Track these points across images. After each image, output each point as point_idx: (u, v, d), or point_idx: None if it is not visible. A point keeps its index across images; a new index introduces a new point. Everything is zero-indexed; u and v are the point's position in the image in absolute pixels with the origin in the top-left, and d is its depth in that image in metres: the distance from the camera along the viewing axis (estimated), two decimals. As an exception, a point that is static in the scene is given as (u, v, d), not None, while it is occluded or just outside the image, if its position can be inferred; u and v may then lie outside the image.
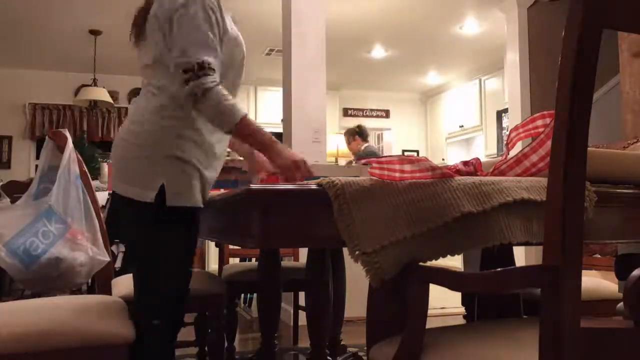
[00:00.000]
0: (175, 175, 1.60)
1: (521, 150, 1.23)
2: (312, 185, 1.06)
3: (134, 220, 1.68)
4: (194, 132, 1.64)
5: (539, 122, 1.39)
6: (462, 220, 1.01)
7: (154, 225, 1.61)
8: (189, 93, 1.55)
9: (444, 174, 1.05)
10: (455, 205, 1.00)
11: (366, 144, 6.10)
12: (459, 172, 1.23)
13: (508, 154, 1.34)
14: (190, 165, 1.62)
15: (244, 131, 1.60)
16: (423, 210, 1.00)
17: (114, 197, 1.77)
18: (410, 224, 0.99)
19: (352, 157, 6.33)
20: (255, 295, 4.40)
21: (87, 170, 2.11)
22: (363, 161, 1.08)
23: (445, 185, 1.03)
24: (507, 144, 1.43)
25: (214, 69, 1.58)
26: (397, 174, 1.04)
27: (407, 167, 1.05)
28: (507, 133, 6.87)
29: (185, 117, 1.63)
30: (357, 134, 6.07)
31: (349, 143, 6.13)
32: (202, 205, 1.66)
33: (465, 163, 1.28)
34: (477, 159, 1.28)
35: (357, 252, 0.97)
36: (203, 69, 1.55)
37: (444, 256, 1.04)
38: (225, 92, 1.58)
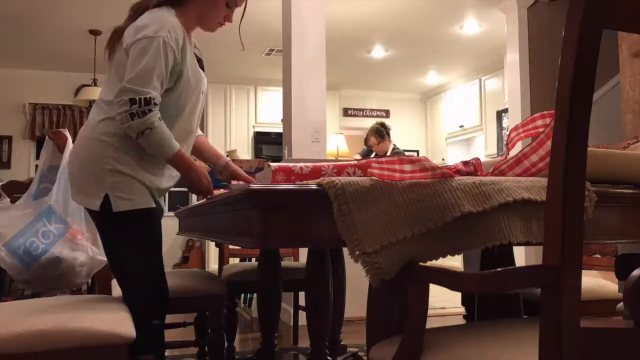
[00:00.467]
0: (115, 185, 1.69)
1: (521, 151, 1.23)
2: (312, 185, 1.06)
3: (98, 229, 1.82)
4: (135, 147, 1.72)
5: (539, 122, 1.39)
6: (462, 220, 1.01)
7: (111, 231, 1.74)
8: (132, 129, 1.65)
9: (444, 173, 1.05)
10: (455, 206, 1.00)
11: (393, 144, 5.81)
12: (458, 172, 1.23)
13: (508, 154, 1.34)
14: (129, 176, 1.71)
15: (174, 164, 1.75)
16: (423, 210, 1.00)
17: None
18: (411, 224, 0.99)
19: (357, 156, 6.15)
20: (255, 295, 4.40)
21: (87, 170, 2.11)
22: (363, 161, 1.08)
23: (445, 185, 1.03)
24: (507, 144, 1.43)
25: (157, 104, 1.67)
26: (397, 174, 1.04)
27: (407, 167, 1.05)
28: (507, 133, 6.86)
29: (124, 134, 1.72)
30: (387, 134, 5.72)
31: (377, 143, 5.60)
32: (152, 205, 1.75)
33: (465, 163, 1.28)
34: (477, 159, 1.28)
35: (357, 252, 0.97)
36: (148, 104, 1.64)
37: (444, 256, 1.04)
38: (164, 128, 1.69)
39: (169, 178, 1.84)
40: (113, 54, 1.81)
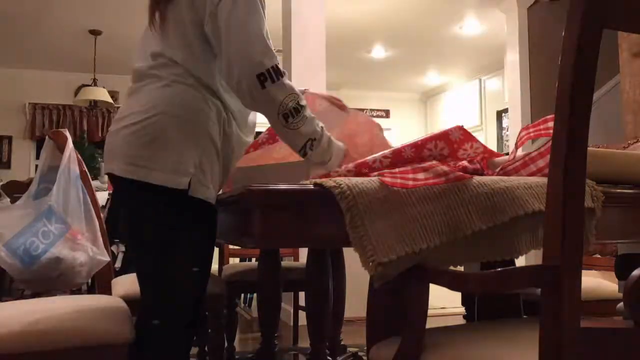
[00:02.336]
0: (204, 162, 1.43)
1: (529, 154, 1.23)
2: (312, 185, 1.06)
3: (148, 211, 1.46)
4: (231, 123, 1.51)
5: (551, 124, 1.38)
6: (472, 233, 1.02)
7: (179, 217, 1.44)
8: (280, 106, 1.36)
9: (457, 177, 1.05)
10: (467, 222, 1.01)
11: None
12: (465, 169, 1.23)
13: (516, 153, 1.35)
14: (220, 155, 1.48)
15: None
16: (437, 224, 1.00)
17: (119, 186, 1.50)
18: (425, 237, 0.99)
19: None
20: (255, 295, 4.40)
21: (87, 170, 2.11)
22: (375, 173, 1.07)
23: (458, 198, 1.03)
24: (516, 143, 1.42)
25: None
26: (411, 182, 1.03)
27: (420, 175, 1.05)
28: (507, 133, 6.84)
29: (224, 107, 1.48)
30: None
31: None
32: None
33: (470, 161, 1.28)
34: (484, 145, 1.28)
35: (372, 263, 0.96)
36: (279, 73, 1.36)
37: (455, 266, 1.04)
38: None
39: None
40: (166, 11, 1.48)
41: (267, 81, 1.34)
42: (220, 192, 1.58)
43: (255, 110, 1.49)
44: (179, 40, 1.46)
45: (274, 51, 1.40)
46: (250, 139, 1.62)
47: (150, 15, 1.52)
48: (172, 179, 1.39)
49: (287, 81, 1.38)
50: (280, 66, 1.38)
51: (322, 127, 1.43)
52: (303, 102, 1.39)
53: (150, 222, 1.46)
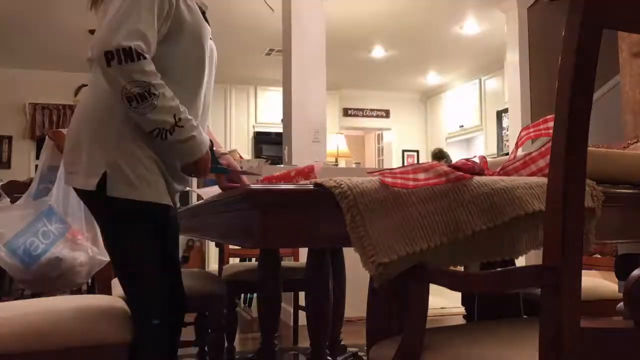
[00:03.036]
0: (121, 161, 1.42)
1: (529, 154, 1.23)
2: (311, 185, 1.06)
3: (98, 217, 1.56)
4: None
5: (551, 124, 1.38)
6: (473, 234, 1.02)
7: (116, 220, 1.47)
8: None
9: (458, 177, 1.05)
10: (468, 222, 1.01)
11: None
12: (460, 169, 1.23)
13: (516, 153, 1.34)
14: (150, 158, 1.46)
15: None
16: (438, 224, 1.00)
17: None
18: (426, 237, 0.99)
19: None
20: (255, 295, 4.40)
21: (87, 170, 2.11)
22: (376, 173, 1.07)
23: (458, 198, 1.03)
24: (516, 143, 1.42)
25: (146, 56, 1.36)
26: (411, 182, 1.03)
27: (421, 176, 1.05)
28: (507, 133, 6.84)
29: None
30: (444, 159, 6.10)
31: None
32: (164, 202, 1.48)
33: (465, 161, 1.28)
34: (483, 157, 1.28)
35: (372, 263, 0.96)
36: (129, 56, 1.33)
37: (455, 266, 1.04)
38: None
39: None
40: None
41: (113, 60, 1.31)
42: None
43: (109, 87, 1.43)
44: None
45: (137, 37, 1.35)
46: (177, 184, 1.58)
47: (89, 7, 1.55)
48: (84, 181, 1.43)
49: (137, 66, 1.33)
50: (144, 52, 1.34)
51: (180, 120, 1.38)
52: (156, 91, 1.34)
53: (103, 227, 1.56)
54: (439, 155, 6.11)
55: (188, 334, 2.75)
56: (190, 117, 1.42)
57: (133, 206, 1.41)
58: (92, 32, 6.25)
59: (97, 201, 1.46)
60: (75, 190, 1.52)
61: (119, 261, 1.54)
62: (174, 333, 1.59)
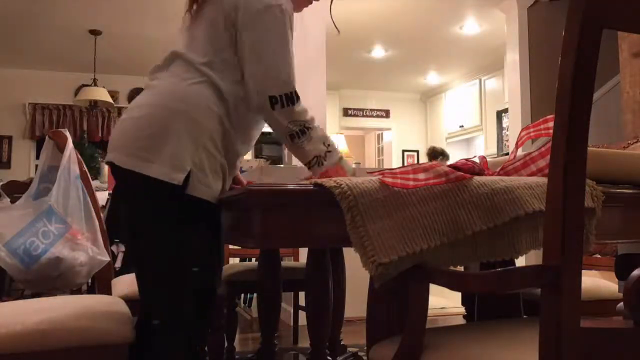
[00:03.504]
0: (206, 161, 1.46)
1: (529, 154, 1.23)
2: (311, 185, 1.06)
3: (146, 204, 1.47)
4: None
5: (551, 124, 1.38)
6: (473, 234, 1.02)
7: (177, 214, 1.44)
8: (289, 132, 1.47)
9: (457, 177, 1.05)
10: (467, 223, 1.01)
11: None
12: (459, 169, 1.23)
13: (516, 153, 1.34)
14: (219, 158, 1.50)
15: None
16: (438, 224, 1.00)
17: (118, 178, 1.50)
18: (426, 236, 0.99)
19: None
20: (255, 295, 4.40)
21: (87, 170, 2.11)
22: (376, 173, 1.07)
23: (458, 198, 1.03)
24: (517, 143, 1.42)
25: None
26: (411, 182, 1.03)
27: (421, 176, 1.05)
28: (507, 133, 6.82)
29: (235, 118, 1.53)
30: (441, 155, 6.08)
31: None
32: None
33: (465, 161, 1.28)
34: (483, 157, 1.28)
35: (372, 263, 0.96)
36: (291, 100, 1.48)
37: (455, 266, 1.04)
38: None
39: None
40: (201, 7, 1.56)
41: (277, 104, 1.46)
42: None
43: (270, 127, 1.55)
44: (206, 41, 1.52)
45: (293, 79, 1.50)
46: (243, 151, 1.64)
47: (188, 6, 1.59)
48: (169, 173, 1.40)
49: (297, 108, 1.48)
50: (297, 93, 1.49)
51: (329, 145, 1.51)
52: (310, 125, 1.49)
53: (148, 217, 1.47)
54: (433, 154, 6.07)
55: (188, 334, 2.74)
56: (329, 136, 1.55)
57: (203, 205, 1.45)
58: (92, 32, 6.28)
59: (167, 195, 1.41)
60: (136, 178, 1.41)
61: (168, 258, 1.45)
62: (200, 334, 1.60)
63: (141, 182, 1.41)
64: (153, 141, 1.42)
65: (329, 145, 1.52)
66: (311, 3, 1.76)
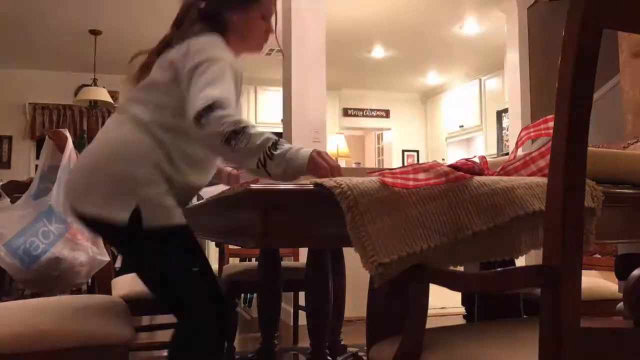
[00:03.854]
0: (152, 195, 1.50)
1: (529, 154, 1.23)
2: (312, 185, 1.06)
3: (121, 248, 1.66)
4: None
5: (551, 124, 1.38)
6: (473, 234, 1.02)
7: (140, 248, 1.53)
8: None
9: (457, 177, 1.05)
10: (468, 222, 1.01)
11: None
12: (459, 169, 1.23)
13: (516, 153, 1.34)
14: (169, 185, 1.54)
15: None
16: (438, 224, 1.00)
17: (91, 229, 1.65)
18: (426, 237, 0.99)
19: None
20: (255, 295, 4.40)
21: (87, 170, 2.11)
22: (376, 173, 1.07)
23: (458, 198, 1.03)
24: (517, 143, 1.42)
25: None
26: (411, 182, 1.03)
27: (421, 176, 1.05)
28: (507, 133, 6.83)
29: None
30: None
31: None
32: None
33: (465, 161, 1.28)
34: (483, 157, 1.28)
35: (373, 263, 0.96)
36: (210, 109, 1.42)
37: (455, 266, 1.04)
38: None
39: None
40: (147, 71, 1.67)
41: (202, 117, 1.41)
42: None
43: (209, 148, 1.53)
44: (146, 90, 1.62)
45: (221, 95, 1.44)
46: (201, 182, 1.68)
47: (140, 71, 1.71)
48: (113, 215, 1.45)
49: (223, 112, 1.40)
50: (223, 101, 1.42)
51: (272, 139, 1.40)
52: (242, 124, 1.39)
53: (134, 258, 1.57)
54: None
55: (188, 334, 2.74)
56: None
57: (165, 231, 1.47)
58: (92, 32, 6.28)
59: (126, 234, 1.48)
60: (89, 223, 1.53)
61: (166, 285, 1.54)
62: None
63: (104, 228, 1.53)
64: (90, 188, 1.51)
65: (269, 137, 1.40)
66: (266, 41, 1.75)
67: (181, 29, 1.69)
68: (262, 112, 8.40)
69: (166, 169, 1.53)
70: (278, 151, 1.37)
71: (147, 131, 1.54)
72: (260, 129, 1.42)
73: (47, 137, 2.24)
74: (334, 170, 1.37)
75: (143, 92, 1.64)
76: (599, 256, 2.29)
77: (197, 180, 1.65)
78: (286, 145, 1.39)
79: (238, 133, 1.38)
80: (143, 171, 1.50)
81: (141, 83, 1.67)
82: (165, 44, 1.69)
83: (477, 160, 1.24)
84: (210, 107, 1.40)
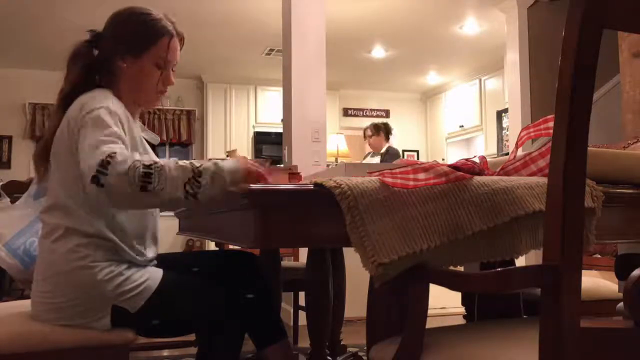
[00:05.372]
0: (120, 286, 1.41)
1: (529, 154, 1.23)
2: (312, 185, 1.06)
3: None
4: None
5: (551, 124, 1.38)
6: (473, 234, 1.02)
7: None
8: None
9: (458, 177, 1.05)
10: (468, 223, 1.01)
11: (388, 144, 5.69)
12: (459, 169, 1.23)
13: (516, 153, 1.34)
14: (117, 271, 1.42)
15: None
16: (438, 224, 1.00)
17: None
18: (426, 237, 0.99)
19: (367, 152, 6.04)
20: (255, 295, 4.39)
21: (87, 170, 2.10)
22: (376, 173, 1.07)
23: (458, 198, 1.03)
24: (517, 143, 1.42)
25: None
26: (411, 182, 1.03)
27: (421, 176, 1.05)
28: (507, 133, 6.81)
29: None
30: (382, 130, 5.66)
31: (370, 136, 5.65)
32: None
33: (465, 161, 1.28)
34: (483, 157, 1.28)
35: (372, 263, 0.96)
36: (105, 165, 1.24)
37: (455, 266, 1.04)
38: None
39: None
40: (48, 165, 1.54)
41: (100, 176, 1.24)
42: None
43: (122, 207, 1.41)
44: (56, 184, 1.51)
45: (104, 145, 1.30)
46: (149, 254, 1.56)
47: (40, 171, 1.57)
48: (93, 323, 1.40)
49: (117, 166, 1.24)
50: (114, 154, 1.26)
51: (186, 163, 1.29)
52: (146, 163, 1.25)
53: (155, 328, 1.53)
54: (378, 126, 5.67)
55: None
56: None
57: (154, 297, 1.43)
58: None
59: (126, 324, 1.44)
60: None
61: (194, 321, 1.59)
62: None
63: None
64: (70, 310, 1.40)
65: (183, 165, 1.27)
66: (163, 93, 1.62)
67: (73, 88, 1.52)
68: (262, 112, 8.40)
69: (113, 239, 1.43)
70: (202, 169, 1.27)
71: (75, 232, 1.42)
72: (159, 160, 1.29)
73: (47, 137, 2.24)
74: (266, 172, 1.32)
75: (52, 196, 1.52)
76: (599, 256, 2.29)
77: (143, 241, 1.55)
78: (203, 163, 1.30)
79: (150, 174, 1.23)
80: (100, 273, 1.39)
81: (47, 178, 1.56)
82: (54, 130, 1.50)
83: (477, 160, 1.24)
84: (103, 164, 1.24)
